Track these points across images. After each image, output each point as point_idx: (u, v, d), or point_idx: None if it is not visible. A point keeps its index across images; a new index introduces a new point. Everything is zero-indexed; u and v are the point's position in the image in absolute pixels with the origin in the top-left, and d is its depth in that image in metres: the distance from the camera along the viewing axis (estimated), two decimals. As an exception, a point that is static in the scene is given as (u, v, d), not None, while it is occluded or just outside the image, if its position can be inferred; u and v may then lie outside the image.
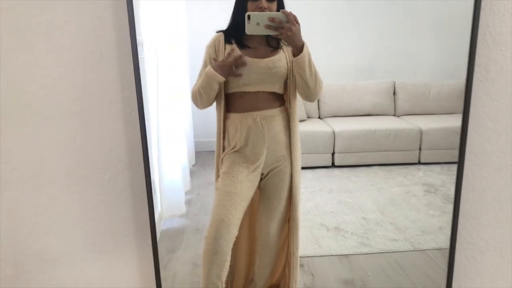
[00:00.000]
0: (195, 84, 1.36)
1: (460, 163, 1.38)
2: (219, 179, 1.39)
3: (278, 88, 1.35)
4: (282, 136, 1.38)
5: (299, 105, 2.56)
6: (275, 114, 1.36)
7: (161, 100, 1.59)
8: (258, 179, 1.41)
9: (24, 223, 1.35)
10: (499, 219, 1.40)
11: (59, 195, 1.33)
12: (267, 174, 1.42)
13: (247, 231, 1.53)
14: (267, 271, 1.53)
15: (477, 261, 1.44)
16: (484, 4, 1.28)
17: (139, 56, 1.22)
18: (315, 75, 1.30)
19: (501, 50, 1.30)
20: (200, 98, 1.34)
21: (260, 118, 1.35)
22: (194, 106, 1.72)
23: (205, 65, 1.34)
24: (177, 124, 1.76)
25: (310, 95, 1.34)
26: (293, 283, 1.48)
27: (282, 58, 1.32)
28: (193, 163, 2.02)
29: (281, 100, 1.39)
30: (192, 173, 1.97)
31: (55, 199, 1.33)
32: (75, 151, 1.30)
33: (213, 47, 1.32)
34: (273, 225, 1.45)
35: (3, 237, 1.35)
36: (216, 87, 1.31)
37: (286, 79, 1.34)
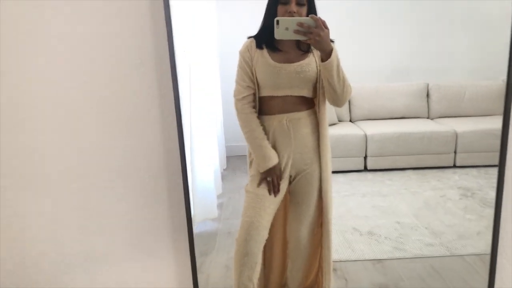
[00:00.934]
0: (249, 93, 1.37)
1: (501, 166, 1.34)
2: (249, 181, 1.41)
3: (306, 92, 1.36)
4: (309, 139, 1.39)
5: (330, 108, 2.55)
6: (302, 117, 1.37)
7: (194, 104, 1.62)
8: (287, 181, 1.42)
9: (69, 224, 1.40)
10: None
11: (101, 198, 1.38)
12: (295, 177, 1.43)
13: (281, 235, 1.53)
14: (300, 276, 1.53)
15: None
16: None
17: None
18: (343, 81, 1.30)
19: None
20: (241, 127, 1.40)
21: (286, 120, 1.36)
22: (225, 111, 1.75)
23: (242, 70, 1.36)
24: (209, 128, 1.79)
25: (337, 100, 1.34)
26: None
27: (312, 62, 1.33)
28: (225, 167, 2.05)
29: (310, 103, 1.39)
30: (223, 177, 1.99)
31: (97, 201, 1.38)
32: (116, 155, 1.35)
33: (247, 52, 1.34)
34: (303, 229, 1.45)
35: (49, 238, 1.41)
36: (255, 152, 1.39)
37: (316, 82, 1.35)
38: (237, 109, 1.37)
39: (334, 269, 1.66)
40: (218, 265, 1.65)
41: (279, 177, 1.39)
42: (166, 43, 1.23)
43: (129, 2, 1.24)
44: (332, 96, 1.32)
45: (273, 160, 1.36)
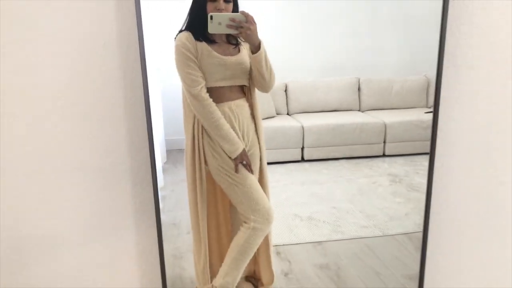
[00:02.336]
0: (202, 88, 1.39)
1: (432, 154, 1.48)
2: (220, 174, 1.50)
3: (246, 81, 1.47)
4: (250, 122, 1.51)
5: (268, 102, 2.62)
6: (243, 104, 1.48)
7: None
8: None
9: (26, 209, 1.37)
10: (467, 206, 1.51)
11: (61, 181, 1.36)
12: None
13: (224, 219, 1.59)
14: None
15: (447, 242, 1.54)
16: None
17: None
18: (270, 69, 1.42)
19: (465, 39, 1.39)
20: (201, 118, 1.43)
21: (234, 106, 1.46)
22: (164, 103, 1.75)
23: (191, 61, 1.36)
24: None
25: (266, 87, 1.46)
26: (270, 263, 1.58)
27: (245, 55, 1.43)
28: (165, 161, 2.04)
29: (243, 91, 1.50)
30: (164, 170, 1.98)
31: (57, 183, 1.36)
32: (76, 138, 1.34)
33: (188, 43, 1.36)
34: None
35: (5, 223, 1.36)
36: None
37: (249, 72, 1.46)
38: (199, 100, 1.38)
39: (278, 253, 1.74)
40: (165, 255, 1.65)
41: (248, 157, 1.48)
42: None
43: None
44: (261, 83, 1.44)
45: (241, 143, 1.45)
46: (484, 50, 1.39)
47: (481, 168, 1.46)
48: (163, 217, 1.84)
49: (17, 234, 1.38)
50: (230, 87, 1.44)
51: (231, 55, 1.41)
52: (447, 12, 1.34)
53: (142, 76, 1.26)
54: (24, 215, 1.38)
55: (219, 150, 1.44)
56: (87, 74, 1.30)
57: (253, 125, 1.52)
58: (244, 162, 1.47)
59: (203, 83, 1.38)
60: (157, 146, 1.90)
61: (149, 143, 1.33)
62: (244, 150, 1.46)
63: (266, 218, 1.49)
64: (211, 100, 1.40)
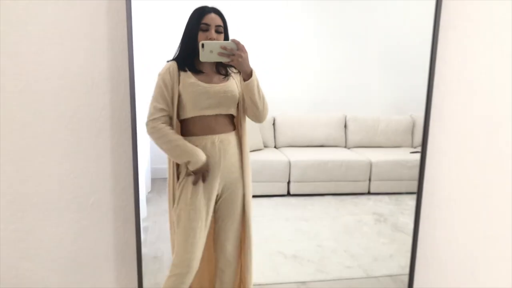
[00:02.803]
0: (161, 115, 1.35)
1: (419, 195, 1.49)
2: (181, 211, 1.40)
3: (233, 111, 1.42)
4: (236, 158, 1.45)
5: (256, 134, 2.63)
6: (230, 138, 1.42)
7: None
8: (213, 202, 1.44)
9: (6, 247, 1.33)
10: (454, 250, 1.51)
11: (40, 220, 1.32)
12: (221, 196, 1.46)
13: (207, 253, 1.55)
14: None
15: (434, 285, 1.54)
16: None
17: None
18: (263, 98, 1.40)
19: (451, 92, 1.44)
20: (160, 145, 1.37)
21: (217, 141, 1.40)
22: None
23: (159, 92, 1.35)
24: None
25: (259, 116, 1.42)
26: None
27: (233, 84, 1.41)
28: (149, 190, 2.01)
29: (234, 124, 1.46)
30: (148, 200, 1.95)
31: (35, 223, 1.32)
32: (60, 174, 1.31)
33: (168, 74, 1.35)
34: (230, 245, 1.49)
35: None
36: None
37: (238, 103, 1.42)
38: (148, 129, 1.35)
39: (261, 293, 1.71)
40: (144, 290, 1.61)
41: (208, 170, 1.39)
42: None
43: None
44: (254, 112, 1.41)
45: (202, 153, 1.36)
46: (468, 103, 1.43)
47: (469, 208, 1.47)
48: (144, 250, 1.80)
49: None
50: (216, 117, 1.40)
51: (216, 83, 1.39)
52: (435, 54, 1.39)
53: (131, 120, 1.26)
54: (4, 253, 1.33)
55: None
56: (75, 113, 1.29)
57: (239, 161, 1.45)
58: (199, 175, 1.37)
59: (158, 115, 1.34)
60: (142, 175, 1.88)
61: (134, 185, 1.32)
62: (205, 162, 1.37)
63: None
64: (163, 126, 1.34)
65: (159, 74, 1.36)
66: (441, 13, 1.38)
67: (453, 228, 1.50)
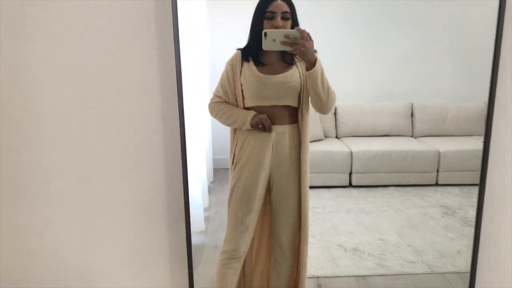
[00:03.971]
0: (215, 101, 1.47)
1: (481, 186, 1.40)
2: (233, 188, 1.48)
3: (291, 102, 1.41)
4: (289, 151, 1.45)
5: (317, 124, 2.60)
6: (286, 131, 1.43)
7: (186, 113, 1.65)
8: (265, 189, 1.48)
9: (67, 239, 1.42)
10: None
11: (101, 216, 1.41)
12: (273, 186, 1.48)
13: (266, 246, 1.57)
14: (283, 286, 1.55)
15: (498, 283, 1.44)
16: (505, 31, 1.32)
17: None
18: (327, 89, 1.37)
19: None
20: (221, 122, 1.47)
21: (273, 132, 1.43)
22: (213, 121, 1.79)
23: (221, 80, 1.44)
24: (197, 140, 1.81)
25: (323, 107, 1.40)
26: None
27: (295, 73, 1.40)
28: (211, 180, 2.06)
29: (294, 117, 1.45)
30: (210, 190, 2.00)
31: (98, 219, 1.41)
32: (117, 175, 1.38)
33: (231, 65, 1.42)
34: (285, 237, 1.49)
35: (46, 254, 1.42)
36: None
37: (300, 92, 1.41)
38: (208, 108, 1.47)
39: (319, 285, 1.69)
40: (205, 278, 1.66)
41: (266, 117, 1.42)
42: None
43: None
44: (318, 104, 1.39)
45: (250, 111, 1.42)
46: None
47: None
48: (205, 239, 1.86)
49: (57, 264, 1.44)
50: (273, 108, 1.41)
51: (275, 73, 1.39)
52: (500, 39, 1.29)
53: (180, 128, 1.31)
54: (66, 246, 1.42)
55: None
56: (129, 115, 1.35)
57: (294, 155, 1.45)
58: (260, 126, 1.41)
59: (216, 100, 1.46)
60: (204, 165, 1.93)
61: (184, 186, 1.36)
62: (257, 114, 1.41)
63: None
64: (222, 103, 1.45)
65: (226, 62, 1.43)
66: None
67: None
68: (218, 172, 2.08)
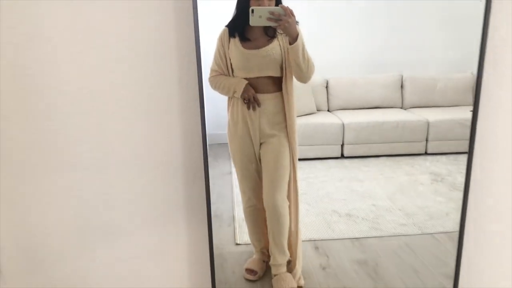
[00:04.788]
0: (213, 75, 1.58)
1: (470, 154, 1.46)
2: (232, 152, 1.69)
3: (274, 72, 1.56)
4: (275, 117, 1.61)
5: (309, 98, 2.64)
6: (270, 98, 1.58)
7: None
8: (257, 148, 1.65)
9: (91, 199, 1.48)
10: (504, 209, 1.49)
11: (121, 175, 1.47)
12: (264, 143, 1.64)
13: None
14: (279, 251, 1.65)
15: (482, 244, 1.53)
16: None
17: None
18: (307, 60, 1.50)
19: (506, 46, 1.38)
20: (220, 93, 1.62)
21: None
22: (207, 97, 1.84)
23: (214, 55, 1.56)
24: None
25: (302, 77, 1.55)
26: (296, 259, 1.67)
27: (276, 46, 1.53)
28: (207, 154, 2.11)
29: (279, 85, 1.58)
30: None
31: (118, 178, 1.47)
32: (135, 137, 1.44)
33: (221, 41, 1.54)
34: (278, 195, 1.63)
35: (71, 212, 1.49)
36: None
37: (281, 63, 1.54)
38: (208, 82, 1.58)
39: (316, 247, 1.77)
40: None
41: (254, 93, 1.57)
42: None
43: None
44: (298, 73, 1.53)
45: (242, 80, 1.56)
46: None
47: None
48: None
49: (84, 222, 1.50)
50: (257, 79, 1.55)
51: (258, 48, 1.52)
52: (489, 12, 1.33)
53: (198, 80, 1.34)
54: (90, 206, 1.49)
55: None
56: (146, 79, 1.39)
57: (282, 122, 1.60)
58: (246, 100, 1.56)
59: (214, 74, 1.58)
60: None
61: (203, 143, 1.41)
62: (248, 85, 1.55)
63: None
64: (220, 76, 1.57)
65: (217, 39, 1.56)
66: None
67: (504, 187, 1.47)
68: (212, 148, 2.13)
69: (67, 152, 1.44)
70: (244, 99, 1.56)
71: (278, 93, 1.58)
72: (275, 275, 1.64)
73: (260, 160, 1.66)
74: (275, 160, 1.62)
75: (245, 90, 1.55)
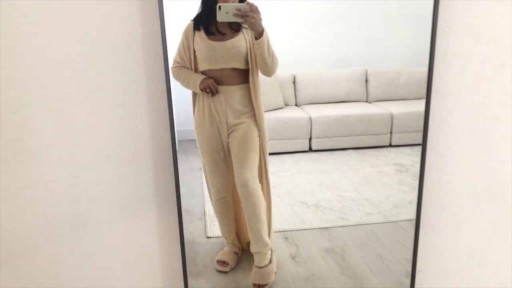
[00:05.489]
0: (175, 65, 1.60)
1: (424, 140, 1.54)
2: (200, 146, 1.71)
3: (239, 65, 1.60)
4: (241, 108, 1.66)
5: (277, 93, 2.67)
6: (236, 90, 1.63)
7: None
8: (226, 135, 1.68)
9: (59, 191, 1.49)
10: (459, 191, 1.56)
11: (89, 167, 1.48)
12: (232, 131, 1.68)
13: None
14: (254, 231, 1.69)
15: (439, 223, 1.60)
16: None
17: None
18: (272, 55, 1.57)
19: (455, 37, 1.47)
20: (181, 84, 1.63)
21: (222, 92, 1.62)
22: (176, 93, 1.87)
23: (178, 48, 1.58)
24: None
25: (267, 71, 1.62)
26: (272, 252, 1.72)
27: (241, 39, 1.58)
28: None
29: (244, 77, 1.63)
30: (175, 159, 2.05)
31: (87, 169, 1.48)
32: (102, 129, 1.46)
33: (185, 34, 1.58)
34: (247, 173, 1.66)
35: (39, 204, 1.48)
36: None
37: (247, 56, 1.59)
38: (171, 72, 1.56)
39: (286, 238, 1.81)
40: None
41: (212, 81, 1.60)
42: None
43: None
44: (263, 67, 1.60)
45: (200, 75, 1.60)
46: (472, 45, 1.45)
47: (472, 154, 1.52)
48: (175, 203, 1.92)
49: (52, 214, 1.50)
50: (222, 70, 1.59)
51: (224, 40, 1.57)
52: (437, 10, 1.41)
53: (165, 70, 1.38)
54: (58, 197, 1.49)
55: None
56: (113, 70, 1.42)
57: (248, 113, 1.65)
58: (208, 90, 1.60)
59: (178, 63, 1.60)
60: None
61: (171, 132, 1.44)
62: (205, 78, 1.59)
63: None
64: (181, 68, 1.59)
65: (182, 32, 1.59)
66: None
67: (457, 171, 1.54)
68: (182, 144, 2.13)
69: (34, 144, 1.43)
70: (204, 89, 1.59)
71: (244, 85, 1.63)
72: (258, 268, 1.69)
73: (229, 151, 1.69)
74: (244, 141, 1.67)
75: (202, 81, 1.59)
